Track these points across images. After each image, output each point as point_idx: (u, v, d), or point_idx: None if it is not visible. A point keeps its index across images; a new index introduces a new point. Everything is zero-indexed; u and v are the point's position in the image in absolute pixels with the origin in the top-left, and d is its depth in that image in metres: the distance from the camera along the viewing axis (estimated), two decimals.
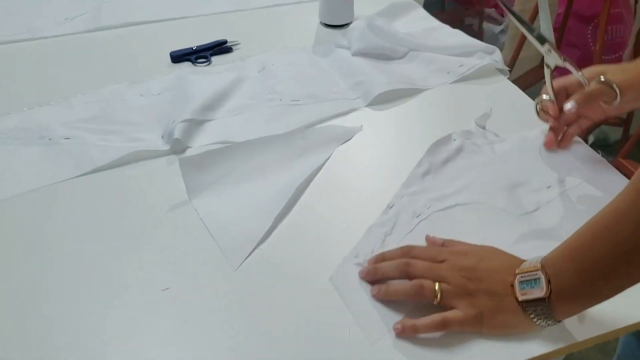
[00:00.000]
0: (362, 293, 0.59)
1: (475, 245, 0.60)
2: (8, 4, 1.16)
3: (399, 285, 0.58)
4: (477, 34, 2.36)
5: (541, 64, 1.93)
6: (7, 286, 0.61)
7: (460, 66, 0.93)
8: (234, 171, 0.74)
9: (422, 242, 0.65)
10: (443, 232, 0.65)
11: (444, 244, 0.62)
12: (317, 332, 0.56)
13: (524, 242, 0.64)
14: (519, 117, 0.84)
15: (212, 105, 0.85)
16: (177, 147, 0.78)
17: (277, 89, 0.89)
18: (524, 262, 0.55)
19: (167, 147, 0.78)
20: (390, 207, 0.69)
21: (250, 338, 0.56)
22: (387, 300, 0.58)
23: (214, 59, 0.99)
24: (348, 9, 1.07)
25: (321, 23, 1.09)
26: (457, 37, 1.01)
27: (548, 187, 0.71)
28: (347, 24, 1.07)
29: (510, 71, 1.71)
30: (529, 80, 1.90)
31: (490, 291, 0.55)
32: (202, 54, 0.98)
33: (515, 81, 1.82)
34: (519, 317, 0.54)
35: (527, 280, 0.53)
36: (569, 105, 0.69)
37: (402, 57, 0.97)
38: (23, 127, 0.83)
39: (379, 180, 0.74)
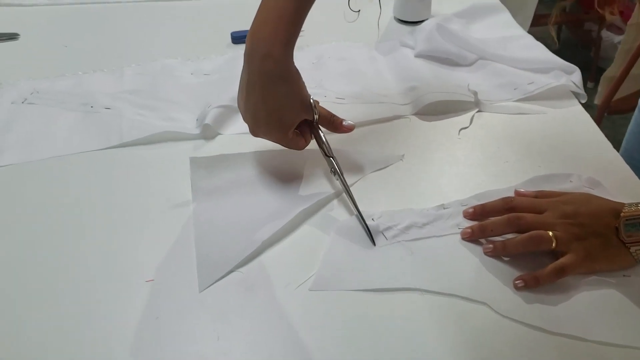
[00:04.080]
0: (344, 252, 0.61)
1: (570, 193, 0.65)
2: None
3: (515, 239, 0.60)
4: (595, 40, 2.17)
5: None
6: (11, 245, 0.63)
7: (529, 83, 0.84)
8: (244, 180, 0.69)
9: (444, 252, 0.62)
10: (459, 255, 0.62)
11: (537, 195, 0.66)
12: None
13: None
14: (585, 154, 0.74)
15: None
16: (208, 132, 0.77)
17: (324, 84, 0.85)
18: (626, 206, 0.59)
19: (197, 132, 0.76)
20: (444, 207, 0.66)
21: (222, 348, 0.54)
22: (496, 256, 0.61)
23: None
24: (425, 5, 1.00)
25: (395, 18, 1.03)
26: (535, 50, 0.91)
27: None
28: (421, 22, 1.00)
29: (615, 89, 1.55)
30: (635, 101, 1.71)
31: (596, 232, 0.59)
32: None
33: (621, 100, 1.66)
34: (624, 254, 0.58)
35: (632, 224, 0.58)
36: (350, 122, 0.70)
37: (470, 64, 0.89)
38: (71, 92, 0.84)
39: (405, 202, 0.68)
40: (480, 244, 0.63)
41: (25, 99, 0.83)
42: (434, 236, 0.63)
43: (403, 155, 0.73)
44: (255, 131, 0.66)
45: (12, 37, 0.97)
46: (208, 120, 0.76)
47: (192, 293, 0.58)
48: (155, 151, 0.75)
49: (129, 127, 0.77)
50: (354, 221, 0.65)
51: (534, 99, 0.83)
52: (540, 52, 0.91)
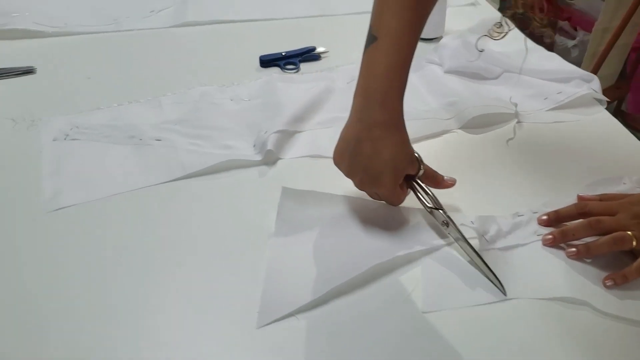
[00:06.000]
0: (443, 269, 0.63)
1: (632, 194, 0.68)
2: None
3: (598, 241, 0.64)
4: (548, 45, 2.29)
5: (617, 84, 1.87)
6: (87, 291, 0.60)
7: (558, 93, 0.89)
8: (329, 222, 0.68)
9: (532, 258, 0.65)
10: (546, 261, 0.65)
11: (601, 198, 0.69)
12: None
13: None
14: (623, 156, 0.80)
15: (302, 116, 0.83)
16: (269, 158, 0.77)
17: None
18: None
19: (259, 158, 0.76)
20: (518, 215, 0.69)
21: None
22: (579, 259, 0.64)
23: (302, 66, 0.97)
24: (439, 22, 1.04)
25: None
26: (554, 62, 0.97)
27: None
28: (436, 38, 1.04)
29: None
30: None
31: None
32: (290, 60, 0.97)
33: None
34: None
35: None
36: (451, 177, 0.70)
37: (496, 77, 0.94)
38: (112, 125, 0.82)
39: (474, 212, 0.70)
40: (560, 248, 0.66)
41: (67, 135, 0.80)
42: (518, 244, 0.66)
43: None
44: (364, 184, 0.65)
45: (28, 70, 0.94)
46: (270, 146, 0.76)
47: (303, 320, 0.58)
48: (221, 180, 0.74)
49: (189, 158, 0.76)
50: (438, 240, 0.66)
51: (563, 107, 0.88)
52: (557, 63, 0.96)
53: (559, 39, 2.17)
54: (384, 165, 0.62)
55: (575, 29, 2.27)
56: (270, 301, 0.59)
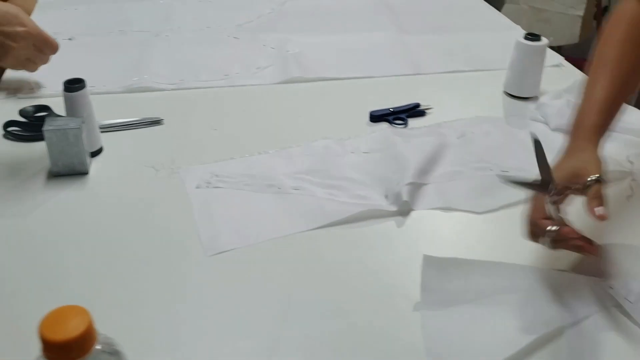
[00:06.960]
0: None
1: None
2: (198, 55, 1.25)
3: None
4: None
5: None
6: (253, 333, 0.64)
7: None
8: (476, 290, 0.68)
9: None
10: None
11: None
12: None
13: None
14: None
15: (425, 169, 0.88)
16: (403, 208, 0.81)
17: (485, 158, 0.92)
18: None
19: (395, 208, 0.81)
20: None
21: None
22: None
23: (409, 121, 1.03)
24: (536, 82, 1.10)
25: (505, 93, 1.12)
26: None
27: None
28: (532, 98, 1.10)
29: None
30: None
31: None
32: (399, 116, 1.02)
33: None
34: None
35: None
36: (602, 210, 0.68)
37: None
38: (249, 174, 0.87)
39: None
40: None
41: (209, 183, 0.85)
42: None
43: None
44: None
45: (156, 121, 0.99)
46: (406, 197, 0.80)
47: None
48: (362, 229, 0.78)
49: (331, 207, 0.80)
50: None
51: None
52: None
53: None
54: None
55: None
56: None
